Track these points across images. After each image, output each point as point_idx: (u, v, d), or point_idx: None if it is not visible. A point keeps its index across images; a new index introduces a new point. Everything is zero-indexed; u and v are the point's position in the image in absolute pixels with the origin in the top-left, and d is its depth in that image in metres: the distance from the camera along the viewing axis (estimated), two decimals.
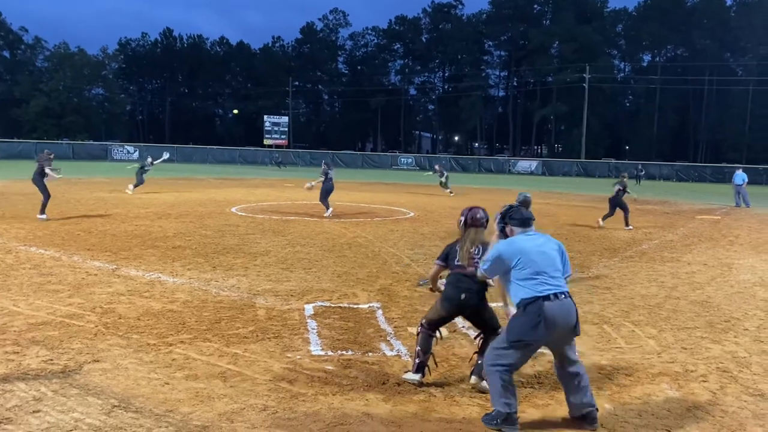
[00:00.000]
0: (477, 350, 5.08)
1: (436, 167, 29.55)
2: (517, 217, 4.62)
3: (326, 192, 16.95)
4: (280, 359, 5.40)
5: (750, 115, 77.00)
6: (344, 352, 5.65)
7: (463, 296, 4.83)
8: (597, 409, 4.32)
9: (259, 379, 4.93)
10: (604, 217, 16.13)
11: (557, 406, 4.61)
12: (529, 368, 5.34)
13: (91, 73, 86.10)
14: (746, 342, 6.39)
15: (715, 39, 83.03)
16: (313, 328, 6.36)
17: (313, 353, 5.60)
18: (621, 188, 15.99)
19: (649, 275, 9.89)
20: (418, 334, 5.07)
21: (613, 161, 62.89)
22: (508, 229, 4.67)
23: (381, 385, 4.88)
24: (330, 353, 5.61)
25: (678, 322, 7.10)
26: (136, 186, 22.20)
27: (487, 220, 5.16)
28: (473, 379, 5.00)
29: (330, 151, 69.73)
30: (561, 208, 21.89)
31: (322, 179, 16.95)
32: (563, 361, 4.33)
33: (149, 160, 23.39)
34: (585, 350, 5.91)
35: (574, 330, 4.25)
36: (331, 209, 16.89)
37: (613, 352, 5.93)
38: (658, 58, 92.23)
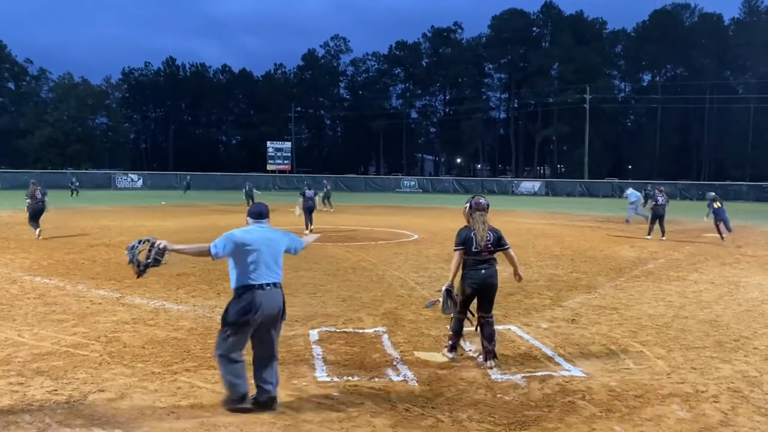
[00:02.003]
0: (482, 337, 6.03)
1: (326, 183, 32.51)
2: (253, 210, 5.10)
3: (306, 210, 18.76)
4: (286, 386, 5.35)
5: (752, 132, 77.14)
6: (350, 377, 5.61)
7: (483, 271, 5.91)
8: (276, 400, 4.83)
9: None
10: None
11: (566, 430, 4.55)
12: (537, 391, 5.29)
13: (95, 102, 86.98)
14: (757, 361, 6.32)
15: (714, 58, 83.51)
16: (319, 354, 6.31)
17: (319, 379, 5.55)
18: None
19: (656, 295, 9.82)
20: (451, 319, 6.13)
21: (616, 181, 62.87)
22: (247, 219, 5.08)
23: (388, 411, 4.83)
24: (336, 379, 5.56)
25: (687, 341, 7.03)
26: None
27: (488, 205, 6.15)
28: (489, 363, 5.88)
29: (333, 175, 69.96)
30: (565, 228, 21.84)
31: (301, 200, 18.95)
32: (263, 347, 4.85)
33: (248, 186, 31.38)
34: (593, 372, 5.86)
35: (281, 316, 4.89)
36: (310, 229, 18.34)
37: (622, 373, 5.86)
38: (658, 78, 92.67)
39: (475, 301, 6.14)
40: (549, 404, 5.03)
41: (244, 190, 31.56)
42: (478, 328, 6.08)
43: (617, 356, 6.41)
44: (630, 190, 25.43)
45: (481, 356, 6.08)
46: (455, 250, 5.99)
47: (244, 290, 4.72)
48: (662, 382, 5.62)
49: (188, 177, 57.02)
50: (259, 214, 5.05)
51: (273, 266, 4.86)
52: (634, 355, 6.45)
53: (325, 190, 32.51)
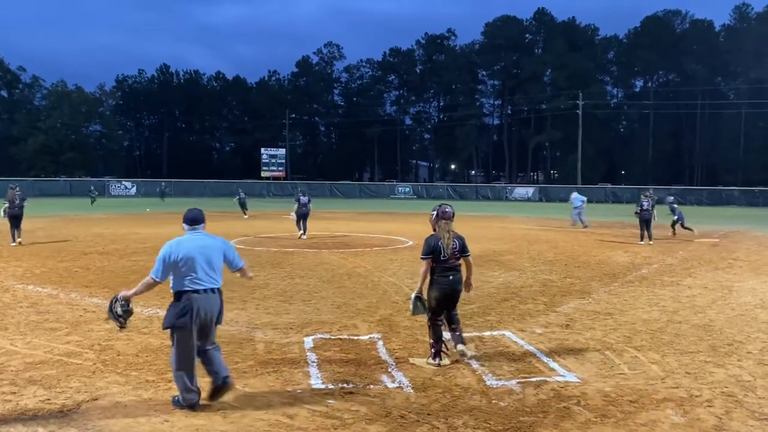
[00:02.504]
0: (450, 326, 6.29)
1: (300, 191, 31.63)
2: (188, 216, 5.22)
3: (300, 216, 19.11)
4: (281, 394, 5.34)
5: (744, 137, 77.67)
6: (345, 384, 5.60)
7: (451, 277, 6.12)
8: (230, 378, 5.08)
9: (259, 415, 4.87)
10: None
11: None
12: (532, 397, 5.30)
13: (89, 110, 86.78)
14: (750, 365, 6.34)
15: (705, 64, 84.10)
16: (313, 361, 6.30)
17: (314, 387, 5.54)
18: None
19: (650, 300, 9.85)
20: (430, 328, 6.24)
21: (609, 186, 63.12)
22: (183, 225, 5.24)
23: (383, 418, 4.82)
24: (331, 386, 5.55)
25: (681, 346, 7.05)
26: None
27: (454, 214, 6.30)
28: (459, 347, 6.09)
29: (327, 182, 70.01)
30: (559, 234, 21.89)
31: (296, 206, 19.27)
32: (204, 344, 5.04)
33: (241, 194, 31.69)
34: (588, 377, 5.86)
35: (217, 320, 5.07)
36: (304, 234, 18.90)
37: (617, 378, 5.87)
38: (650, 84, 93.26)
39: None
40: (544, 410, 5.03)
41: (237, 198, 31.89)
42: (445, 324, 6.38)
43: (612, 361, 6.42)
44: (574, 194, 25.63)
45: (455, 346, 6.20)
46: (423, 258, 6.14)
47: (181, 295, 4.91)
48: (657, 387, 5.63)
49: (163, 183, 55.38)
50: (193, 220, 5.19)
51: (210, 272, 4.99)
52: (628, 360, 6.46)
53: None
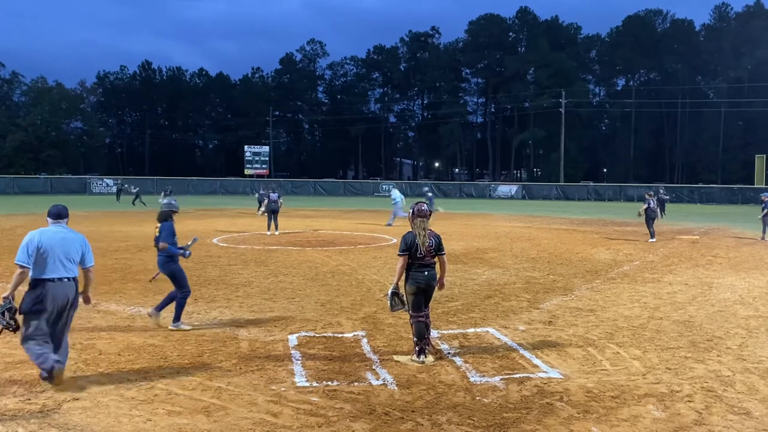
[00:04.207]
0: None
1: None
2: (52, 211, 5.62)
3: (271, 212, 19.52)
4: (265, 392, 5.33)
5: (723, 136, 78.66)
6: (329, 382, 5.60)
7: (426, 273, 6.24)
8: (59, 363, 5.33)
9: (243, 413, 4.85)
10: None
11: (544, 431, 4.59)
12: (515, 393, 5.33)
13: (70, 106, 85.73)
14: (729, 360, 6.44)
15: (685, 63, 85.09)
16: (298, 359, 6.29)
17: (298, 385, 5.53)
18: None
19: (632, 296, 9.95)
20: (412, 326, 6.30)
21: (592, 184, 63.60)
22: (47, 219, 5.62)
23: (367, 415, 4.83)
24: (315, 384, 5.54)
25: (662, 342, 7.13)
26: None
27: (431, 213, 6.52)
28: (420, 357, 6.20)
29: (311, 180, 69.80)
30: (542, 232, 22.02)
31: (266, 201, 19.84)
32: (56, 331, 5.41)
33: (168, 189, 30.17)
34: (571, 373, 5.91)
35: (72, 306, 5.48)
36: (276, 231, 19.35)
37: (599, 374, 5.93)
38: (631, 82, 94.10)
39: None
40: (527, 406, 5.07)
41: (162, 193, 31.02)
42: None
43: (594, 357, 6.48)
44: (394, 191, 25.14)
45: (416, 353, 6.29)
46: (400, 254, 6.26)
47: (37, 283, 5.30)
48: (638, 382, 5.69)
49: (119, 180, 51.30)
50: (57, 214, 5.61)
51: (66, 262, 5.40)
52: (610, 356, 6.53)
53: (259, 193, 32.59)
